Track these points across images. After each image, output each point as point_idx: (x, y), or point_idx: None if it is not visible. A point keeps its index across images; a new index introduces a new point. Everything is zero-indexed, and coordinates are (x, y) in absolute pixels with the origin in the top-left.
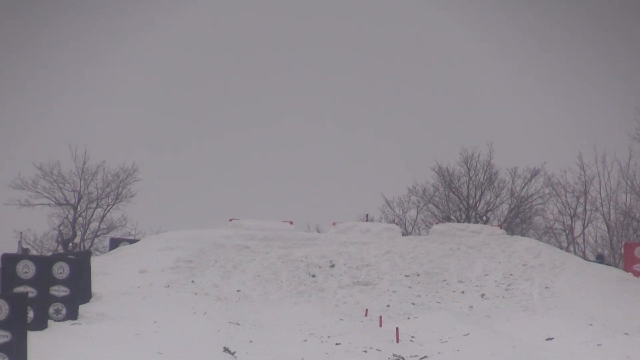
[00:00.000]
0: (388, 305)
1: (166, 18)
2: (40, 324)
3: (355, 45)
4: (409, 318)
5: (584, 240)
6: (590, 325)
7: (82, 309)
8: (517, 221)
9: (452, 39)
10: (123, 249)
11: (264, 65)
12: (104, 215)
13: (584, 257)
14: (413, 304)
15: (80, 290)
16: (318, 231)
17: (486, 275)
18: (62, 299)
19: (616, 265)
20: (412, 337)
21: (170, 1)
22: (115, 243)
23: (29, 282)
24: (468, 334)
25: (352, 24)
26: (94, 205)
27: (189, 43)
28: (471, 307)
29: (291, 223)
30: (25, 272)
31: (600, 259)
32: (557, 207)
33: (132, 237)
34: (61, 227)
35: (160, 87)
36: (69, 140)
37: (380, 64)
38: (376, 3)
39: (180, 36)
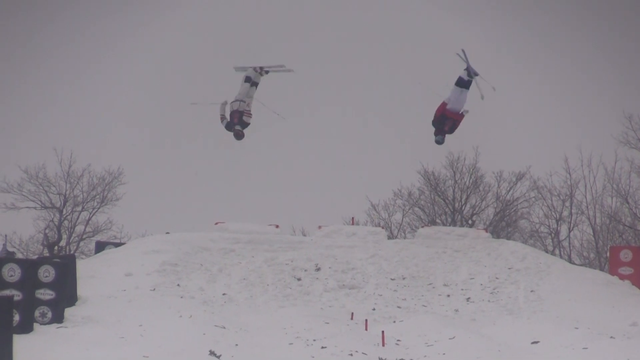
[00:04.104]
0: (374, 309)
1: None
2: (25, 328)
3: (343, 44)
4: (394, 321)
5: (569, 243)
6: (576, 328)
7: (68, 312)
8: (503, 224)
9: (441, 38)
10: (109, 252)
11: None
12: (89, 219)
13: (570, 260)
14: (399, 307)
15: (65, 293)
16: (304, 235)
17: (472, 278)
18: (47, 303)
19: (602, 269)
20: (398, 340)
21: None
22: (100, 246)
23: (14, 285)
24: (454, 337)
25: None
26: (79, 208)
27: (177, 44)
28: (457, 310)
29: (277, 226)
30: (11, 275)
31: None
32: (543, 210)
33: (117, 241)
34: (47, 230)
35: (147, 90)
36: (54, 144)
37: (366, 64)
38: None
39: (168, 38)
